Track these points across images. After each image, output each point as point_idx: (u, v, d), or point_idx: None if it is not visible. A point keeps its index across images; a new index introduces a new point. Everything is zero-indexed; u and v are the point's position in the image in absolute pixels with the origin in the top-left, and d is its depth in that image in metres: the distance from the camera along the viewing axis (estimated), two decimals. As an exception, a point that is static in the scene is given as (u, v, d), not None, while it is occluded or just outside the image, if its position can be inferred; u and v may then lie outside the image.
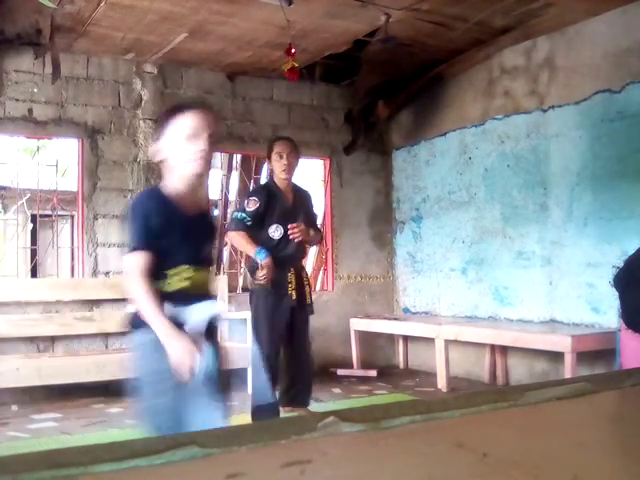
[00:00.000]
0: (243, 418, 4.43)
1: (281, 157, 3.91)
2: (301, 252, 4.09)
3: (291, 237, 3.85)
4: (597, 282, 4.81)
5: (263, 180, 7.06)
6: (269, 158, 3.99)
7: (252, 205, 3.80)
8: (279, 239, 3.87)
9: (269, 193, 3.92)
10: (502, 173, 5.61)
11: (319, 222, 6.54)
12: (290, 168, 3.93)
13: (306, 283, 4.03)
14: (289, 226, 3.85)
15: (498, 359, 5.58)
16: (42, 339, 5.27)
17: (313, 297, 5.65)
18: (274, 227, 3.86)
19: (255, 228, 3.84)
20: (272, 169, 4.01)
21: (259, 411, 3.75)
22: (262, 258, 3.72)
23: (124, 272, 2.13)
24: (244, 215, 3.81)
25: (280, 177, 3.95)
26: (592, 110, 4.87)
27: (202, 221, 2.23)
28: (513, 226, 5.51)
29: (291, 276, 3.88)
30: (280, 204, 3.90)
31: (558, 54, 5.16)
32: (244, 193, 4.17)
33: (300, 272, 4.00)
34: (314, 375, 4.27)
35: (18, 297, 5.22)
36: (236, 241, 3.88)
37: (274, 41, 5.18)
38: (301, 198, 4.09)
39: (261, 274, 3.73)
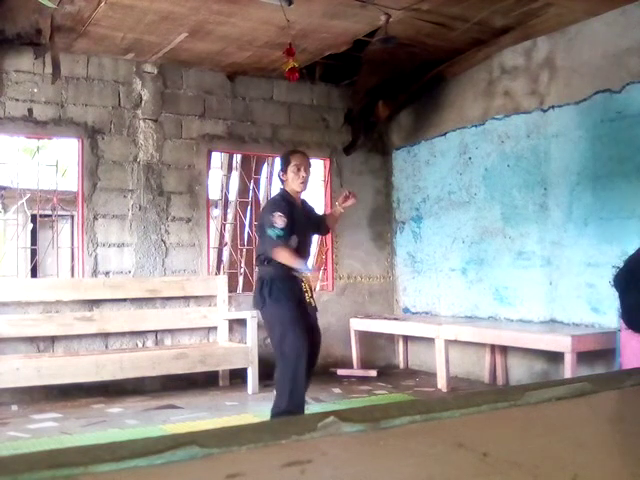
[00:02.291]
0: (243, 418, 4.43)
1: (299, 170, 3.96)
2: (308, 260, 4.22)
3: (350, 200, 4.23)
4: (597, 282, 4.80)
5: (263, 180, 7.07)
6: (285, 170, 4.00)
7: (280, 222, 3.81)
8: (295, 248, 3.90)
9: (289, 204, 3.95)
10: (502, 173, 5.61)
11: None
12: (307, 182, 4.02)
13: (313, 288, 4.14)
14: (349, 193, 4.19)
15: (498, 359, 5.58)
16: (42, 339, 5.27)
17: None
18: (292, 237, 3.90)
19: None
20: (286, 180, 4.00)
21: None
22: (308, 269, 3.93)
23: None
24: (278, 231, 3.81)
25: (296, 190, 3.99)
26: (592, 110, 4.87)
27: None
28: (513, 226, 5.51)
29: (306, 285, 3.96)
30: (297, 215, 3.95)
31: (558, 54, 5.16)
32: (267, 207, 4.13)
33: (309, 280, 4.05)
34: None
35: (18, 297, 5.22)
36: (281, 256, 3.83)
37: (274, 41, 5.18)
38: (306, 208, 4.17)
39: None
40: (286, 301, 3.86)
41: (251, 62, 5.81)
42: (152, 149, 5.77)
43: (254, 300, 4.04)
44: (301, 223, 3.96)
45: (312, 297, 4.00)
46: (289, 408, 3.71)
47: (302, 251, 3.98)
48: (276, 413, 3.80)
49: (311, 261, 4.06)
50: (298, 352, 3.77)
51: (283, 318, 3.86)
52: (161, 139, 5.82)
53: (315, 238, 4.43)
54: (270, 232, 3.81)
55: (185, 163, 5.91)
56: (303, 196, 4.19)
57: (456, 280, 6.10)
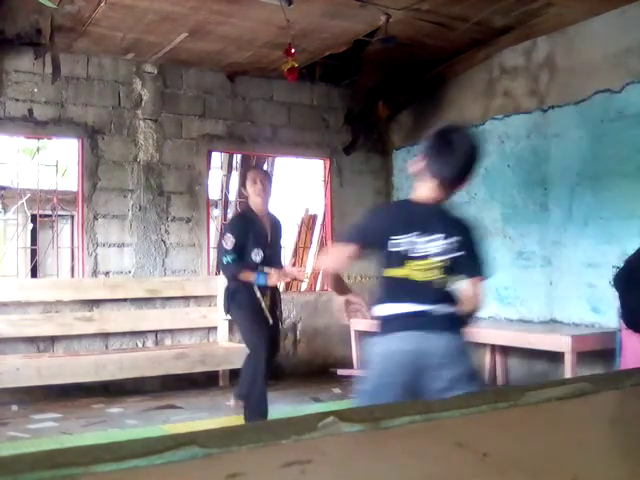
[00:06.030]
0: (243, 418, 4.42)
1: (255, 182, 4.19)
2: None
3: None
4: (597, 282, 4.80)
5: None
6: (244, 186, 4.32)
7: (230, 243, 4.06)
8: (260, 262, 4.11)
9: (245, 221, 4.22)
10: (502, 173, 5.61)
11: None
12: (264, 192, 4.21)
13: (279, 302, 4.32)
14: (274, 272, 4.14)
15: (498, 359, 5.58)
16: (42, 339, 5.27)
17: (312, 297, 5.73)
18: (255, 251, 4.12)
19: (240, 255, 4.11)
20: (249, 196, 4.26)
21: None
22: (264, 280, 4.05)
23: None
24: (228, 257, 4.06)
25: (256, 201, 4.21)
26: (592, 110, 4.87)
27: None
28: (513, 226, 5.51)
29: (266, 299, 4.11)
30: (256, 230, 4.17)
31: (558, 54, 5.16)
32: (222, 228, 4.55)
33: (274, 295, 4.24)
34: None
35: (18, 297, 5.21)
36: (241, 277, 4.09)
37: (274, 41, 5.18)
38: (275, 226, 4.33)
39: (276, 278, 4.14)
40: (245, 308, 4.10)
41: (251, 62, 5.80)
42: (152, 149, 5.77)
43: (224, 306, 4.32)
44: (264, 236, 4.20)
45: (273, 313, 4.18)
46: (248, 396, 4.04)
47: (271, 263, 4.18)
48: (238, 394, 4.22)
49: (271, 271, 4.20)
50: (256, 351, 4.04)
51: (244, 321, 4.18)
52: (161, 139, 5.82)
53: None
54: (222, 258, 4.11)
55: (185, 163, 5.91)
56: (279, 218, 4.46)
57: (456, 280, 6.09)
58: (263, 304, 4.07)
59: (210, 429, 0.67)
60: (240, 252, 4.07)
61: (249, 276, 4.04)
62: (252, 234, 4.12)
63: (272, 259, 4.21)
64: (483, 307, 2.43)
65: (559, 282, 5.13)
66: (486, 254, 2.37)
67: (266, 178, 4.35)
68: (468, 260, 2.32)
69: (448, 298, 2.32)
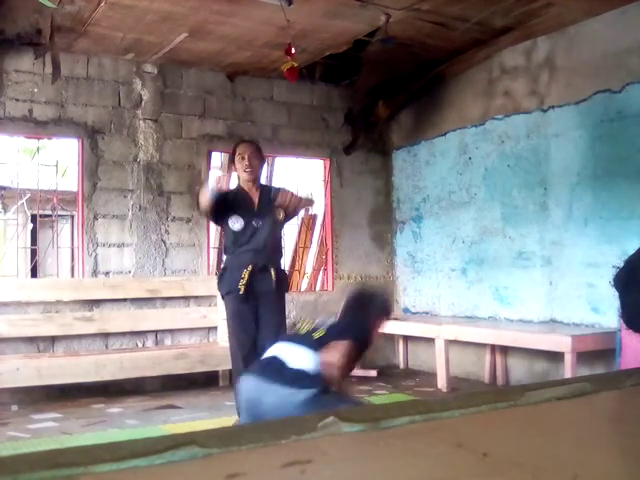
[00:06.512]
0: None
1: (243, 158, 3.93)
2: (267, 251, 3.92)
3: (284, 205, 3.84)
4: (597, 282, 4.80)
5: (263, 180, 7.06)
6: (233, 161, 4.01)
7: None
8: (239, 231, 3.84)
9: (232, 194, 3.93)
10: (502, 173, 5.61)
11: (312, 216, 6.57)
12: (253, 168, 3.94)
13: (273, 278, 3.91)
14: (280, 197, 3.79)
15: (498, 359, 5.58)
16: (42, 339, 5.27)
17: (312, 297, 5.55)
18: (234, 218, 3.86)
19: (215, 219, 3.97)
20: (237, 172, 4.01)
21: None
22: (212, 190, 3.67)
23: None
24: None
25: (244, 178, 3.97)
26: (592, 110, 4.87)
27: None
28: (513, 226, 5.51)
29: (246, 273, 3.81)
30: (239, 200, 3.91)
31: (558, 54, 5.16)
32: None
33: (264, 270, 3.88)
34: None
35: (18, 297, 5.21)
36: (201, 206, 3.83)
37: (274, 41, 5.18)
38: (269, 195, 3.99)
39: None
40: (229, 304, 3.91)
41: (251, 62, 5.80)
42: (152, 149, 5.77)
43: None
44: (249, 211, 3.88)
45: (245, 285, 3.81)
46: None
47: (249, 239, 3.86)
48: None
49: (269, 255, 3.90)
50: (234, 349, 3.88)
51: (226, 311, 3.98)
52: (161, 139, 5.82)
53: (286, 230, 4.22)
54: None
55: (185, 163, 5.91)
56: (278, 186, 4.15)
57: (456, 280, 6.10)
58: (242, 279, 3.75)
59: (210, 429, 0.67)
60: (216, 216, 3.89)
61: (203, 193, 3.72)
62: (235, 205, 3.85)
63: (257, 234, 3.87)
64: None
65: (559, 282, 5.13)
66: None
67: (255, 153, 3.97)
68: None
69: None
